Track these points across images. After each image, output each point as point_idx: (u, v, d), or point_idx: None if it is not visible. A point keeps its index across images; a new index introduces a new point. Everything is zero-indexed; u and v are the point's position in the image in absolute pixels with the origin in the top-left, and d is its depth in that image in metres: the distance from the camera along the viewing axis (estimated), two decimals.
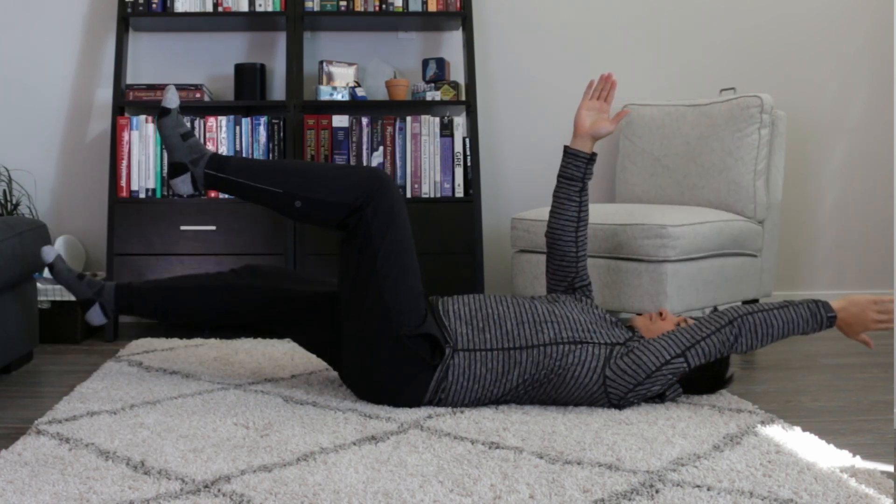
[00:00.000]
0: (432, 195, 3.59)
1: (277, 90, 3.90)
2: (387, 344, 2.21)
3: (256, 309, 2.45)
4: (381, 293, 2.21)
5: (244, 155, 3.58)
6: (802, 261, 4.11)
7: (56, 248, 2.54)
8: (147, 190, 3.52)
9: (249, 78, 3.66)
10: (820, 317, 2.24)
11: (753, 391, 2.57)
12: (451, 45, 3.96)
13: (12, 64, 3.83)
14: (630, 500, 1.64)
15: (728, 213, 3.25)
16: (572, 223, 2.49)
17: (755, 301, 3.46)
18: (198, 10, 3.63)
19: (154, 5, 3.62)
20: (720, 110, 3.42)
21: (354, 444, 1.96)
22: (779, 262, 3.96)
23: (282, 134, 3.59)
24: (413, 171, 3.59)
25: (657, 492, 1.67)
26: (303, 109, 3.63)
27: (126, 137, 3.52)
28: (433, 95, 3.66)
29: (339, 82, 3.71)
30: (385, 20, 3.77)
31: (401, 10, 3.67)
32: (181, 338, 3.27)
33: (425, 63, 3.79)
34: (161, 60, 3.88)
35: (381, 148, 3.59)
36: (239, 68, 3.67)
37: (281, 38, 3.90)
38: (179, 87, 3.59)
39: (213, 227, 3.47)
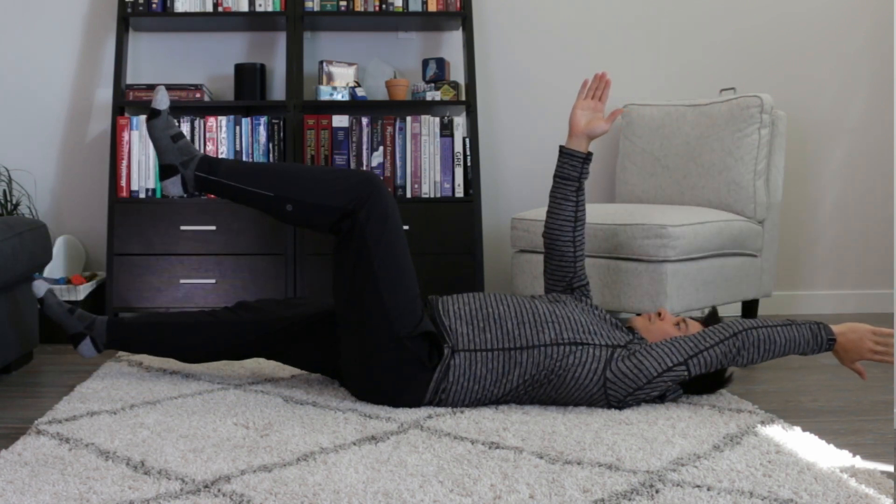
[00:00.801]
0: (432, 195, 3.59)
1: (277, 90, 3.90)
2: (385, 346, 2.21)
3: (252, 342, 2.46)
4: (379, 296, 2.21)
5: (244, 155, 3.58)
6: (802, 261, 4.11)
7: (46, 284, 2.54)
8: (147, 190, 3.52)
9: (249, 78, 3.66)
10: (820, 339, 2.25)
11: (753, 391, 2.57)
12: (451, 45, 3.96)
13: (12, 64, 3.83)
14: (630, 500, 1.64)
15: (728, 213, 3.25)
16: (569, 223, 2.49)
17: (755, 301, 3.46)
18: (198, 10, 3.63)
19: (154, 5, 3.62)
20: (720, 110, 3.42)
21: (354, 444, 1.96)
22: (779, 262, 3.96)
23: (282, 134, 3.59)
24: (413, 171, 3.59)
25: (657, 492, 1.67)
26: (303, 109, 3.63)
27: (126, 137, 3.52)
28: (433, 95, 3.66)
29: (339, 82, 3.71)
30: (385, 20, 3.77)
31: (401, 10, 3.67)
32: None
33: (425, 63, 3.79)
34: (161, 60, 3.88)
35: (381, 148, 3.59)
36: (239, 68, 3.67)
37: (281, 38, 3.90)
38: (179, 87, 3.59)
39: (213, 227, 3.47)
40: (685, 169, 3.46)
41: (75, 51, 3.86)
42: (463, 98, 3.75)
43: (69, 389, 2.50)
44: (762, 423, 2.15)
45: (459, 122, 3.62)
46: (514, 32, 3.98)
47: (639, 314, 2.84)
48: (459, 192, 3.59)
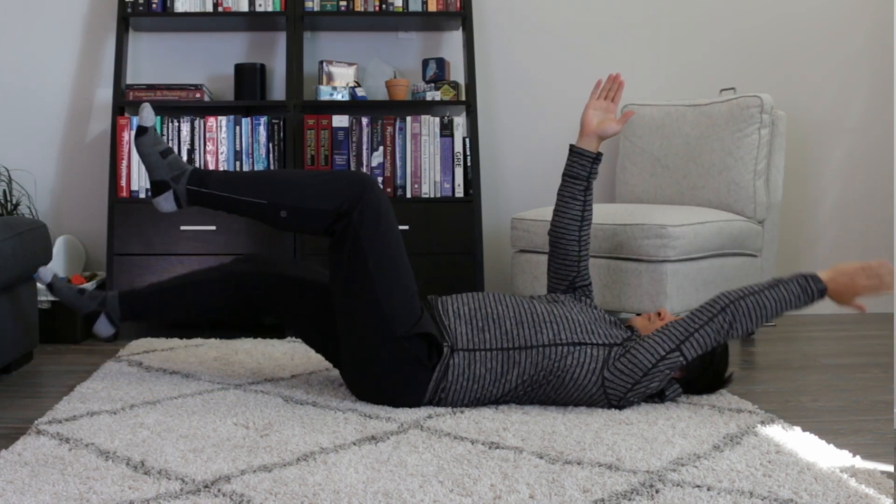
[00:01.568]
0: (432, 195, 3.59)
1: (277, 90, 3.91)
2: (384, 346, 2.21)
3: (260, 296, 2.44)
4: (375, 295, 2.21)
5: (244, 155, 3.58)
6: (802, 261, 4.11)
7: (51, 269, 2.53)
8: (147, 190, 3.51)
9: (249, 78, 3.66)
10: (811, 290, 2.23)
11: (753, 391, 2.57)
12: (451, 45, 3.96)
13: (12, 64, 3.83)
14: (630, 500, 1.64)
15: (728, 213, 3.25)
16: (576, 222, 2.49)
17: None
18: (198, 10, 3.63)
19: (154, 5, 3.62)
20: (720, 110, 3.42)
21: (354, 444, 1.96)
22: (779, 262, 3.96)
23: (282, 134, 3.59)
24: (413, 171, 3.59)
25: (657, 492, 1.67)
26: (303, 109, 3.63)
27: (126, 137, 3.52)
28: (433, 95, 3.66)
29: (339, 82, 3.71)
30: (385, 20, 3.77)
31: (401, 10, 3.67)
32: (181, 338, 3.27)
33: (425, 63, 3.79)
34: (161, 60, 3.88)
35: (381, 148, 3.59)
36: (239, 68, 3.67)
37: (281, 38, 3.90)
38: (179, 87, 3.60)
39: (213, 227, 3.47)
40: (685, 169, 3.46)
41: (75, 51, 3.86)
42: (463, 98, 3.75)
43: (69, 389, 2.50)
44: (762, 423, 2.15)
45: (459, 122, 3.62)
46: (514, 32, 3.98)
47: (639, 314, 2.84)
48: (459, 192, 3.59)
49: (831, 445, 1.97)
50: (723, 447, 1.95)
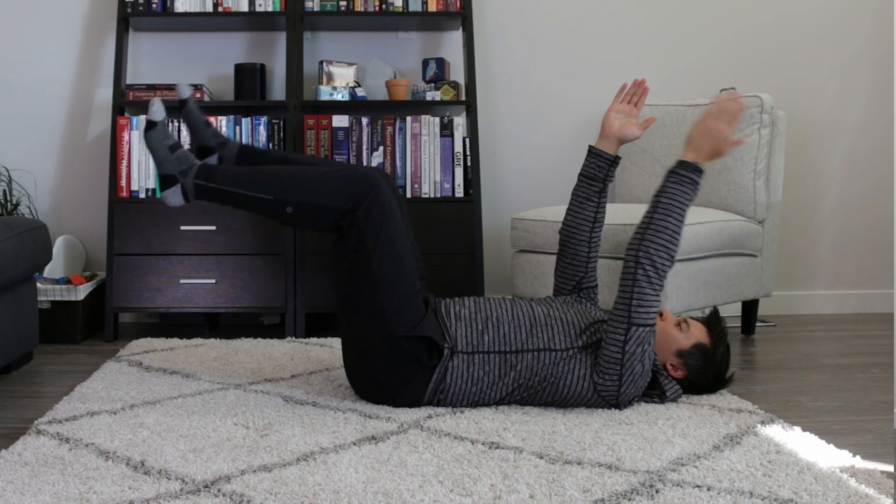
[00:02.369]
0: (432, 195, 3.58)
1: (277, 90, 3.90)
2: (384, 344, 2.21)
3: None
4: (378, 294, 2.21)
5: None
6: (802, 261, 4.11)
7: (189, 89, 2.40)
8: (147, 190, 3.51)
9: (249, 78, 3.66)
10: (689, 178, 2.21)
11: (753, 391, 2.57)
12: (451, 45, 3.96)
13: (12, 64, 3.83)
14: (630, 500, 1.64)
15: (728, 213, 3.25)
16: (588, 223, 2.48)
17: (755, 301, 3.46)
18: (198, 10, 3.63)
19: (154, 5, 3.62)
20: None
21: (354, 444, 1.96)
22: (779, 262, 3.96)
23: (282, 134, 3.59)
24: (413, 171, 3.58)
25: (657, 492, 1.67)
26: (303, 109, 3.63)
27: (126, 137, 3.52)
28: (433, 95, 3.66)
29: (339, 82, 3.71)
30: (385, 20, 3.77)
31: (401, 10, 3.67)
32: (181, 338, 3.27)
33: (425, 63, 3.78)
34: (161, 60, 3.87)
35: (381, 148, 3.59)
36: (239, 68, 3.67)
37: (281, 38, 3.89)
38: None
39: (213, 227, 3.47)
40: None
41: (75, 51, 3.85)
42: (463, 98, 3.74)
43: (69, 389, 2.50)
44: (762, 422, 2.15)
45: (459, 122, 3.62)
46: (514, 32, 3.98)
47: None
48: (459, 192, 3.59)
49: (831, 445, 1.97)
50: (723, 447, 1.95)
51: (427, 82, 3.74)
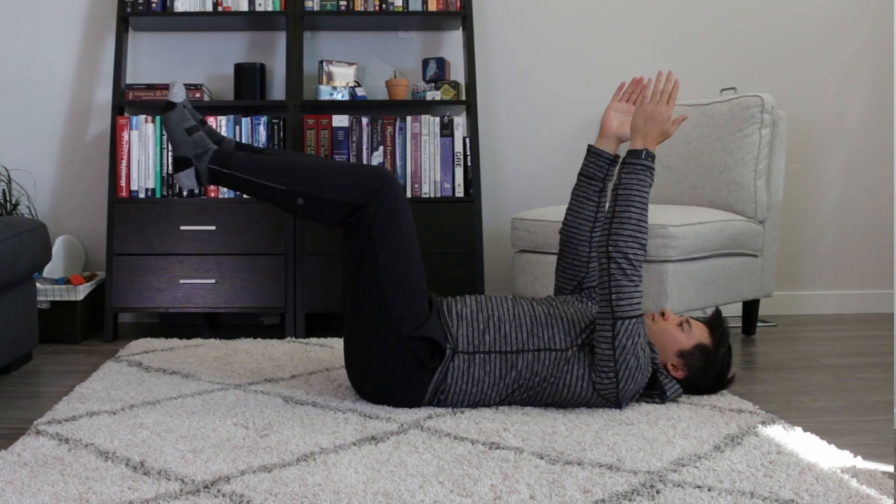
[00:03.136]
0: (432, 195, 3.58)
1: (277, 90, 3.90)
2: (386, 343, 2.21)
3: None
4: (383, 293, 2.21)
5: None
6: (802, 261, 4.11)
7: (183, 90, 2.39)
8: (147, 190, 3.51)
9: (249, 78, 3.66)
10: (644, 166, 2.21)
11: (754, 391, 2.57)
12: (451, 44, 3.95)
13: (12, 63, 3.83)
14: (630, 500, 1.63)
15: (729, 213, 3.25)
16: (588, 223, 2.48)
17: (755, 301, 3.46)
18: (198, 9, 3.63)
19: (154, 5, 3.62)
20: (721, 110, 3.41)
21: (354, 444, 1.95)
22: (779, 262, 3.96)
23: (282, 134, 3.59)
24: (413, 171, 3.58)
25: (658, 492, 1.67)
26: (303, 109, 3.63)
27: (126, 137, 3.52)
28: (433, 95, 3.66)
29: (339, 82, 3.70)
30: (385, 20, 3.77)
31: (401, 9, 3.67)
32: (181, 338, 3.27)
33: (425, 63, 3.78)
34: (161, 60, 3.87)
35: (381, 148, 3.58)
36: (239, 68, 3.67)
37: (281, 38, 3.89)
38: None
39: (213, 227, 3.46)
40: (686, 169, 3.46)
41: (75, 50, 3.85)
42: (463, 98, 3.74)
43: (68, 390, 2.50)
44: (763, 423, 2.15)
45: (459, 121, 3.61)
46: (514, 32, 3.98)
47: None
48: (459, 192, 3.59)
49: (832, 446, 1.97)
50: (723, 447, 1.95)
51: (427, 82, 3.74)
